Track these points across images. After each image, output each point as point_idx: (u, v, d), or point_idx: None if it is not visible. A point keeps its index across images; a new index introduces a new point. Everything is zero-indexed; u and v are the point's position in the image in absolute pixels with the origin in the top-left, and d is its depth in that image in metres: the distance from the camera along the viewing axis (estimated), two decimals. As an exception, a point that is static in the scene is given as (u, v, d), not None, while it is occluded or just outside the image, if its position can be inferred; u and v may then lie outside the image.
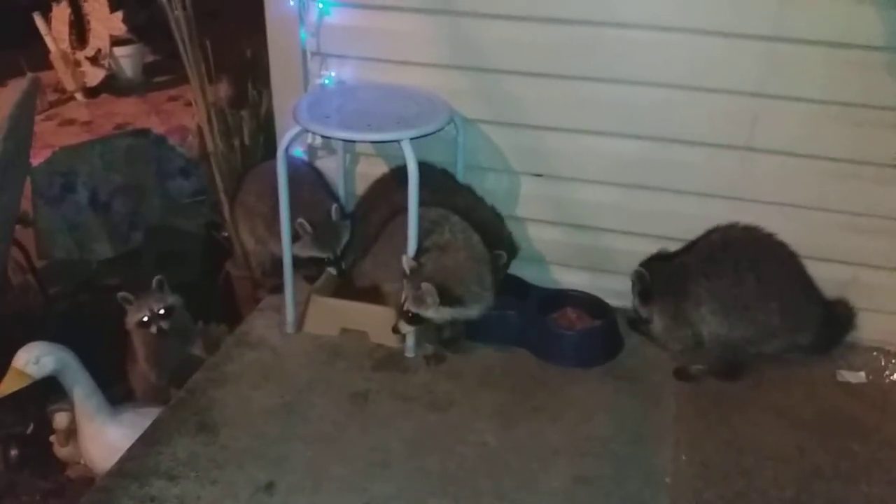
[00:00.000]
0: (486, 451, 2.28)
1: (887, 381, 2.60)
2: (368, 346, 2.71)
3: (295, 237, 2.63)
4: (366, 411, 2.43)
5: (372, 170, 2.91)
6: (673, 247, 2.60)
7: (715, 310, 2.46)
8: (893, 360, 2.67)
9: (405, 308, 2.44)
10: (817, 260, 2.56)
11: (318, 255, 2.72)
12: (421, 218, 2.45)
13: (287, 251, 2.64)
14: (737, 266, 2.45)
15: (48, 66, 3.94)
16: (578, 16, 2.52)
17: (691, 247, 2.55)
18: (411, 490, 2.13)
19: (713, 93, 2.51)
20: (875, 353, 2.69)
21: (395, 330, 2.51)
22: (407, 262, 2.42)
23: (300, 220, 2.60)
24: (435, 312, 2.43)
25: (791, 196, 2.59)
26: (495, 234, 2.65)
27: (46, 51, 3.94)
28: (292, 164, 2.64)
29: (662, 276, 2.52)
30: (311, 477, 2.17)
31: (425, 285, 2.37)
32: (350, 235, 2.75)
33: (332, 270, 2.78)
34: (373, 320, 2.71)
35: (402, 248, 2.47)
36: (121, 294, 2.65)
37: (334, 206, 2.69)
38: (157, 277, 2.66)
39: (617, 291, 2.69)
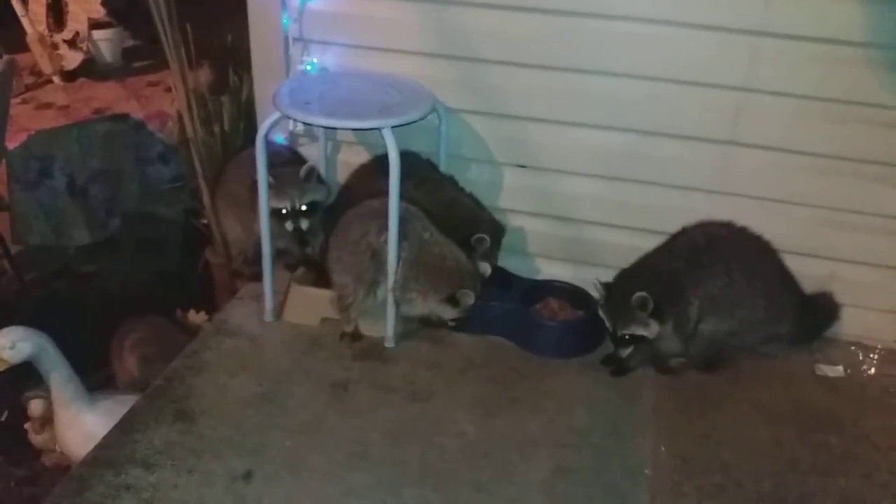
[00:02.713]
0: (465, 441, 2.28)
1: (865, 375, 2.62)
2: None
3: None
4: (345, 401, 2.41)
5: (354, 158, 2.88)
6: (654, 240, 2.60)
7: (712, 310, 2.46)
8: (871, 355, 2.69)
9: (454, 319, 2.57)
10: (798, 255, 2.57)
11: (276, 206, 2.58)
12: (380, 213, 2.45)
13: (266, 238, 2.61)
14: (727, 266, 2.45)
15: (25, 48, 3.88)
16: (564, 6, 2.51)
17: (669, 249, 2.53)
18: (390, 480, 2.12)
19: (698, 86, 2.50)
20: (853, 348, 2.71)
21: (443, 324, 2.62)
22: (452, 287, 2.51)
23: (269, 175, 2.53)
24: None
25: (774, 191, 2.60)
26: (479, 222, 2.65)
27: (23, 33, 3.87)
28: (274, 150, 2.61)
29: (658, 291, 2.41)
30: (289, 466, 2.15)
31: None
32: (323, 202, 2.69)
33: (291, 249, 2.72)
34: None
35: (353, 243, 2.52)
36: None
37: (308, 164, 2.62)
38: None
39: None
